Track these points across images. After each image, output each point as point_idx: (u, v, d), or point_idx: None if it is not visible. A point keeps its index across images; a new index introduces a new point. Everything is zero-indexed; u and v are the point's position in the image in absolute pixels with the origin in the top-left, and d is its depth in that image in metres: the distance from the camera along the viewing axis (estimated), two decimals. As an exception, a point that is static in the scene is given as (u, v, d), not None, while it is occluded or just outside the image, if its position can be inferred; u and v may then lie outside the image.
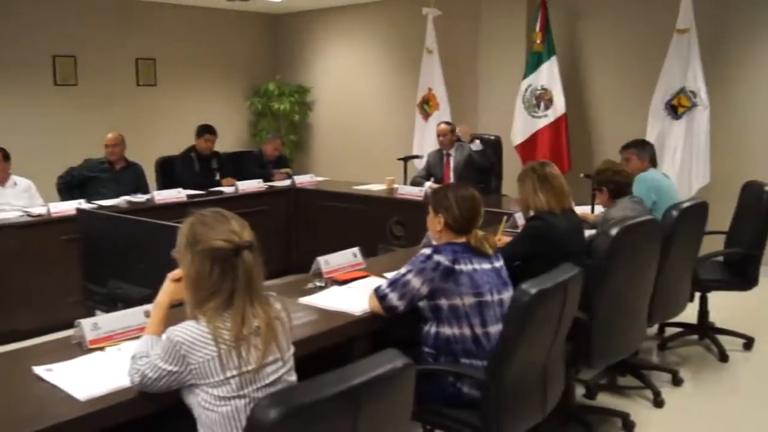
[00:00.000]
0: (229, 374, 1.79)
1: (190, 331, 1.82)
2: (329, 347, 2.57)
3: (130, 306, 2.56)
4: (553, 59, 6.93)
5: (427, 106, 7.92)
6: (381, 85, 9.06)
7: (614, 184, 4.02)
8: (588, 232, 3.82)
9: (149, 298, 2.69)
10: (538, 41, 6.97)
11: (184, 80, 9.07)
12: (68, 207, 5.12)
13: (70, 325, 2.78)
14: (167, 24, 8.87)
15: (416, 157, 6.90)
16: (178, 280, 2.09)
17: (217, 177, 6.54)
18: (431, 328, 2.69)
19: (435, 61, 7.81)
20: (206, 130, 6.63)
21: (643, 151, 4.78)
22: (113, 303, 3.48)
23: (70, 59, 8.07)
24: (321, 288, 3.08)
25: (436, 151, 6.52)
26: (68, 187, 5.86)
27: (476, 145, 6.16)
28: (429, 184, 6.05)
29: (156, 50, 8.79)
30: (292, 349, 1.96)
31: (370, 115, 9.16)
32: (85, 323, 2.37)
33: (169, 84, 8.95)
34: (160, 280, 3.23)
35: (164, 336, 1.86)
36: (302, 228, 6.48)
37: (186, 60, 9.07)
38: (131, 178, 6.02)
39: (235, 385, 1.80)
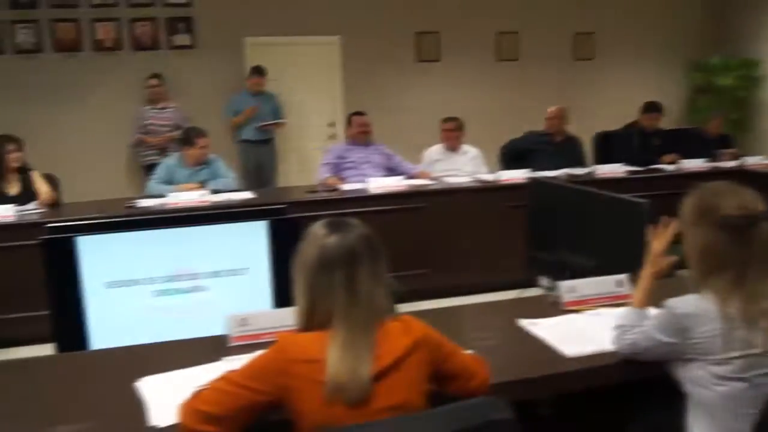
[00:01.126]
0: (732, 354, 1.72)
1: (694, 304, 1.78)
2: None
3: (578, 276, 2.57)
4: None
5: None
6: None
7: None
8: None
9: (600, 270, 2.70)
10: None
11: (621, 54, 8.89)
12: (516, 175, 5.41)
13: (505, 287, 2.87)
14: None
15: None
16: (661, 252, 2.06)
17: (657, 154, 6.34)
18: None
19: None
20: (652, 107, 6.56)
21: None
22: (560, 271, 3.55)
23: (512, 35, 8.49)
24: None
25: None
26: (510, 158, 6.20)
27: None
28: None
29: (594, 24, 8.78)
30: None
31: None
32: (563, 285, 2.49)
33: (607, 58, 8.87)
34: (609, 252, 3.21)
35: (664, 308, 1.84)
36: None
37: (623, 34, 8.87)
38: (570, 151, 6.15)
39: (738, 366, 1.72)
